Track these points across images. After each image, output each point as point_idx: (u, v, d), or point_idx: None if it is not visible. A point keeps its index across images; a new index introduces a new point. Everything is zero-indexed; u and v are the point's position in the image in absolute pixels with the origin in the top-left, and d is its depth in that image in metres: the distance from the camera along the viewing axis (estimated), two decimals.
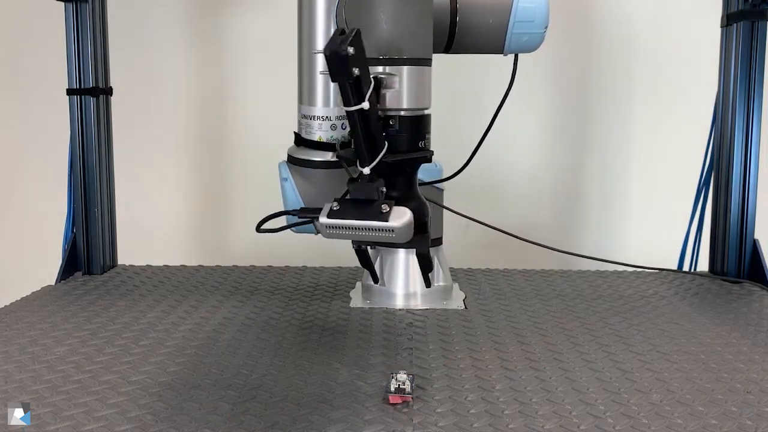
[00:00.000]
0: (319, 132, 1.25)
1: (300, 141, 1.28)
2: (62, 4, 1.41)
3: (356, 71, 0.82)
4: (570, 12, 1.92)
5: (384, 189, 0.90)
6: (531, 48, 1.20)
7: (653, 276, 1.48)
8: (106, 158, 1.47)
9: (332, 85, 1.25)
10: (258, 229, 1.05)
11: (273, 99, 1.87)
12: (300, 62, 1.27)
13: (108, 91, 1.47)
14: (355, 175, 0.93)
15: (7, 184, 2.03)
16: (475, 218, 1.41)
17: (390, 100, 0.93)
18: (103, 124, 1.46)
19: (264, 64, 1.93)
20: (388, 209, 0.87)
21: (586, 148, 1.97)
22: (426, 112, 0.98)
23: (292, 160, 1.28)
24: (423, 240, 0.95)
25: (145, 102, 1.95)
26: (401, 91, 0.93)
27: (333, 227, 0.90)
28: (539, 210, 1.98)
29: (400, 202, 0.93)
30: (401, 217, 0.87)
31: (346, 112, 0.86)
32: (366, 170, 0.88)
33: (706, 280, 1.45)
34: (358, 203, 0.89)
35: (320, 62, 1.24)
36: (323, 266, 1.54)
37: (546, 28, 1.18)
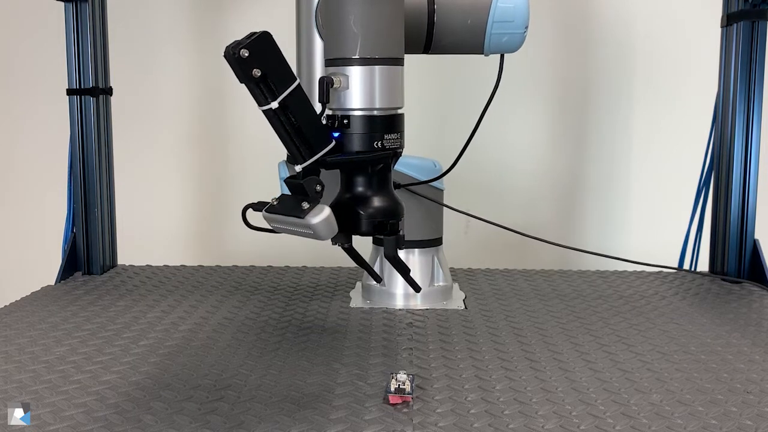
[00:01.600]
0: None
1: None
2: (62, 4, 1.41)
3: (258, 72, 0.85)
4: (570, 11, 1.92)
5: (319, 187, 0.91)
6: (512, 48, 1.19)
7: (653, 276, 1.48)
8: (106, 158, 1.47)
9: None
10: (249, 226, 1.06)
11: None
12: (298, 63, 1.27)
13: (108, 91, 1.47)
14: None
15: (7, 184, 2.03)
16: (474, 215, 1.41)
17: (341, 99, 0.94)
18: (103, 124, 1.46)
19: None
20: (307, 206, 0.88)
21: (586, 148, 1.97)
22: (390, 112, 0.97)
23: (291, 160, 1.28)
24: (391, 242, 0.95)
25: (145, 102, 1.95)
26: (351, 91, 0.94)
27: (271, 221, 0.93)
28: (539, 210, 1.98)
29: (367, 202, 0.94)
30: (318, 214, 0.88)
31: (262, 111, 0.89)
32: (298, 168, 0.90)
33: (706, 280, 1.45)
34: (295, 200, 0.91)
35: (318, 65, 1.23)
36: (323, 266, 1.54)
37: (526, 28, 1.17)
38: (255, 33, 0.86)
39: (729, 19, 1.42)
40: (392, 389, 0.86)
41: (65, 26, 1.41)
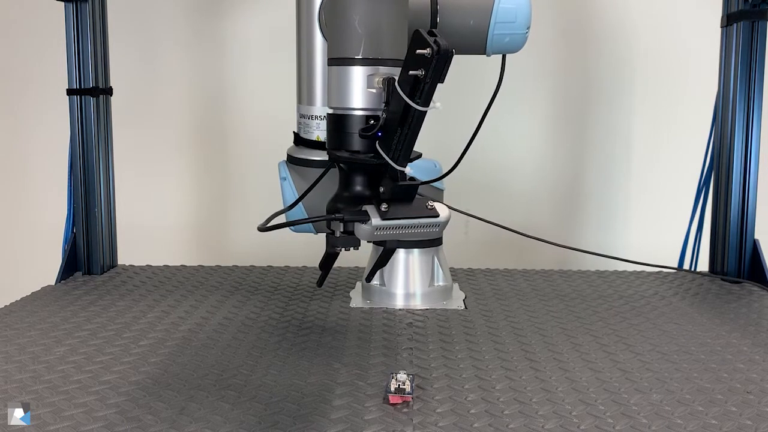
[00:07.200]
0: (318, 131, 1.25)
1: (299, 140, 1.28)
2: (62, 4, 1.41)
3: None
4: (570, 12, 1.92)
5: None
6: (514, 49, 1.20)
7: (653, 276, 1.48)
8: (106, 158, 1.47)
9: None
10: (260, 227, 1.05)
11: (272, 99, 1.87)
12: (299, 62, 1.27)
13: (108, 91, 1.47)
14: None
15: (7, 185, 2.03)
16: (474, 215, 1.41)
17: (376, 99, 0.93)
18: (103, 124, 1.46)
19: (263, 63, 1.93)
20: (432, 205, 0.89)
21: (586, 149, 1.97)
22: None
23: (291, 160, 1.28)
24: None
25: (145, 102, 1.95)
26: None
27: (384, 228, 0.91)
28: (539, 210, 1.98)
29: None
30: (444, 211, 0.89)
31: (418, 112, 0.85)
32: (408, 170, 0.89)
33: (706, 280, 1.45)
34: (400, 203, 0.90)
35: (319, 62, 1.23)
36: None
37: (528, 28, 1.18)
38: (424, 31, 0.81)
39: (729, 19, 1.42)
40: (392, 389, 0.86)
41: (65, 26, 1.41)
